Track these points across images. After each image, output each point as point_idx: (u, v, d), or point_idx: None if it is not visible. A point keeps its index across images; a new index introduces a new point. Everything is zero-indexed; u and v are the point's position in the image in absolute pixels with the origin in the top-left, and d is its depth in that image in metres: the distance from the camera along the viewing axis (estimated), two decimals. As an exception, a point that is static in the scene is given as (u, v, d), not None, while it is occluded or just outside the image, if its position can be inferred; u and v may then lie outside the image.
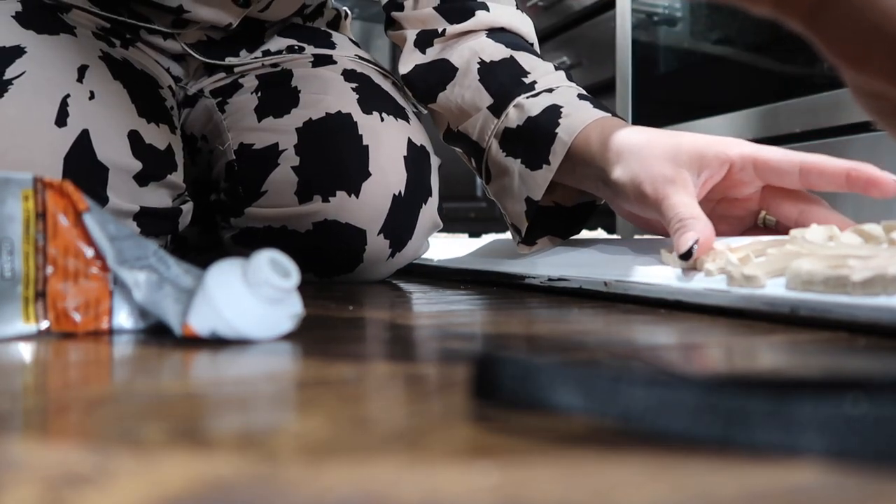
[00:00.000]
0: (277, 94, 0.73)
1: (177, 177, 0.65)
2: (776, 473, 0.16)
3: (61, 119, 0.57)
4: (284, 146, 0.69)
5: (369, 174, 0.67)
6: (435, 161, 0.74)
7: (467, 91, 0.66)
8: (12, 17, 0.62)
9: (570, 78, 0.65)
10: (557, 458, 0.17)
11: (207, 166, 0.78)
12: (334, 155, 0.68)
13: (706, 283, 0.44)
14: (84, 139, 0.58)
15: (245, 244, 0.72)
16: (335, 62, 0.76)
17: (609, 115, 0.59)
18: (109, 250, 0.34)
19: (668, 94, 1.67)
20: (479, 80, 0.65)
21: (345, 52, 0.79)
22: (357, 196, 0.67)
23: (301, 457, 0.17)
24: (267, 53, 0.78)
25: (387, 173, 0.68)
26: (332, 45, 0.80)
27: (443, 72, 0.68)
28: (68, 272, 0.34)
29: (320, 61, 0.76)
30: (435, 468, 0.16)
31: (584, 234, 1.34)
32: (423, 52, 0.70)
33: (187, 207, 0.68)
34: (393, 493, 0.15)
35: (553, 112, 0.60)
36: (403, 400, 0.23)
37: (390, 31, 0.75)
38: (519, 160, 0.62)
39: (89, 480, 0.15)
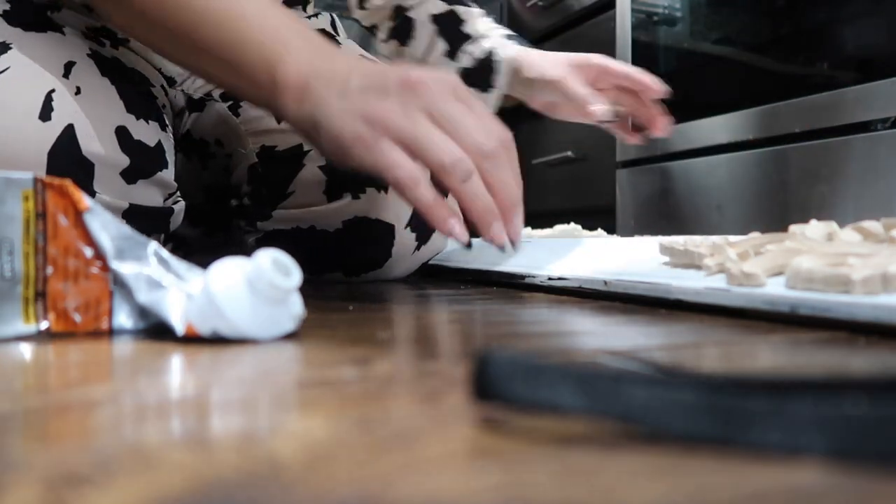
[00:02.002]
0: None
1: (167, 174, 0.65)
2: (776, 473, 0.16)
3: (45, 113, 0.56)
4: (309, 146, 0.71)
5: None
6: None
7: (426, 43, 0.86)
8: (0, 15, 0.62)
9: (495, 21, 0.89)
10: (557, 458, 0.17)
11: (224, 171, 0.79)
12: None
13: (706, 283, 0.44)
14: (69, 134, 0.57)
15: (270, 246, 0.73)
16: None
17: (528, 47, 0.86)
18: (110, 250, 0.34)
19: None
20: (437, 34, 0.86)
21: (348, 49, 0.80)
22: (386, 192, 0.70)
23: (301, 457, 0.17)
24: None
25: None
26: (338, 43, 0.81)
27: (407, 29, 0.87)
28: (68, 272, 0.34)
29: None
30: (435, 468, 0.16)
31: (584, 233, 1.34)
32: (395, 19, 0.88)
33: (179, 207, 0.68)
34: (393, 493, 0.15)
35: (492, 53, 0.85)
36: (403, 400, 0.23)
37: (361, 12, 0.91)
38: (473, 90, 0.80)
39: (89, 480, 0.15)
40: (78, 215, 0.34)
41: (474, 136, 0.48)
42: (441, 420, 0.21)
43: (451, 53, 0.86)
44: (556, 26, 2.08)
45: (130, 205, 0.61)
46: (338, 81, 0.49)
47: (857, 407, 0.16)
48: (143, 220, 0.63)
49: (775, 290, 0.40)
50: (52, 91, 0.58)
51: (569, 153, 2.00)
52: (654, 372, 0.21)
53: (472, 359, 0.20)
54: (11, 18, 0.61)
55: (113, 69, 0.64)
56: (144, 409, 0.22)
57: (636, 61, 1.71)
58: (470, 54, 0.85)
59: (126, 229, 0.35)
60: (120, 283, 0.34)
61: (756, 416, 0.17)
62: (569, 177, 2.01)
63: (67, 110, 0.58)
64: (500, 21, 2.38)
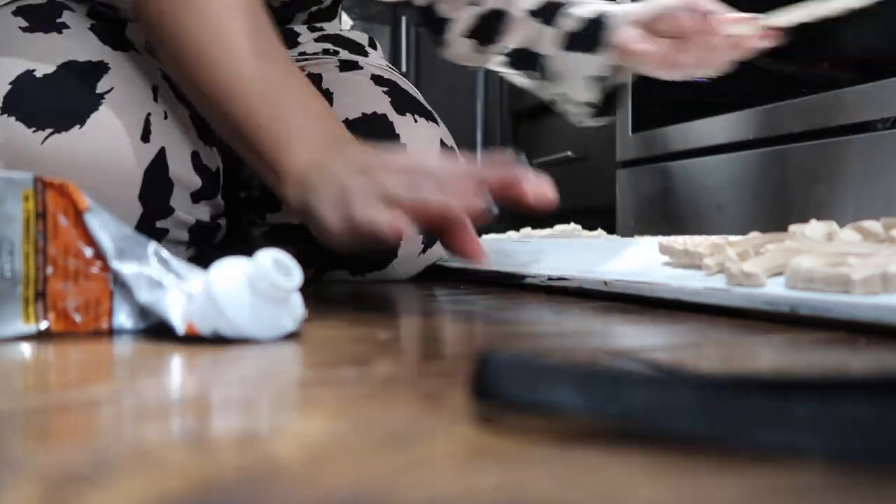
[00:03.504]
0: None
1: (220, 198, 0.68)
2: (776, 473, 0.16)
3: (146, 135, 0.60)
4: None
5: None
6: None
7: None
8: (89, 28, 0.64)
9: None
10: (557, 458, 0.17)
11: (236, 163, 0.80)
12: None
13: (706, 283, 0.44)
14: (162, 155, 0.61)
15: (278, 240, 0.74)
16: (361, 68, 0.78)
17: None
18: (110, 249, 0.34)
19: (668, 94, 1.67)
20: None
21: (372, 60, 0.82)
22: None
23: (301, 457, 0.17)
24: (303, 55, 0.81)
25: None
26: (366, 54, 0.82)
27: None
28: (68, 272, 0.34)
29: (346, 66, 0.78)
30: (435, 468, 0.16)
31: (585, 233, 1.34)
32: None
33: (223, 223, 0.72)
34: (393, 493, 0.15)
35: (602, 14, 0.73)
36: (403, 400, 0.23)
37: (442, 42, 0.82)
38: (578, 52, 0.74)
39: (89, 480, 0.15)
40: (78, 215, 0.34)
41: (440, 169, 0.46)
42: (441, 420, 0.21)
43: (549, 19, 0.75)
44: (556, 26, 2.08)
45: (196, 220, 0.66)
46: (335, 174, 0.49)
47: (857, 407, 0.16)
48: (200, 235, 0.67)
49: (775, 290, 0.40)
50: (150, 114, 0.61)
51: (569, 153, 2.00)
52: (654, 372, 0.21)
53: (473, 359, 0.20)
54: (100, 35, 0.63)
55: (182, 93, 0.65)
56: (144, 409, 0.22)
57: (636, 61, 1.71)
58: (570, 16, 0.75)
59: (126, 229, 0.35)
60: (120, 282, 0.34)
61: (756, 416, 0.17)
62: (569, 177, 2.01)
63: (162, 133, 0.62)
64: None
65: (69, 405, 0.22)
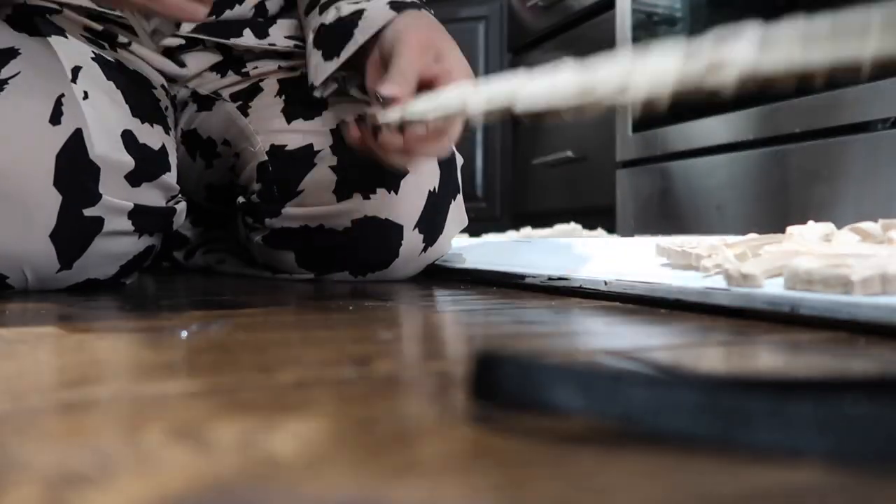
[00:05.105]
0: (304, 97, 0.74)
1: (170, 178, 0.65)
2: (776, 473, 0.16)
3: (55, 117, 0.57)
4: (320, 147, 0.72)
5: (407, 171, 0.70)
6: (459, 160, 0.78)
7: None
8: (4, 20, 0.62)
9: None
10: (557, 458, 0.17)
11: (231, 170, 0.79)
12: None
13: (706, 283, 0.44)
14: (77, 137, 0.58)
15: (277, 245, 0.74)
16: None
17: (410, 9, 0.66)
18: None
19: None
20: None
21: None
22: (396, 193, 0.71)
23: (301, 457, 0.17)
24: (273, 48, 0.79)
25: (423, 171, 0.72)
26: None
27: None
28: None
29: None
30: (435, 468, 0.16)
31: (584, 233, 1.34)
32: None
33: (181, 207, 0.69)
34: (393, 494, 0.15)
35: (357, 14, 0.68)
36: (403, 400, 0.23)
37: None
38: (320, 52, 0.71)
39: (89, 480, 0.15)
40: None
41: None
42: (441, 420, 0.21)
43: (322, 8, 0.72)
44: (556, 26, 2.08)
45: (135, 205, 0.62)
46: None
47: (857, 407, 0.16)
48: (146, 219, 0.63)
49: (775, 290, 0.40)
50: (62, 96, 0.58)
51: (569, 153, 2.00)
52: (654, 372, 0.21)
53: (473, 359, 0.20)
54: (16, 24, 0.62)
55: (117, 72, 0.64)
56: (144, 408, 0.22)
57: (636, 61, 1.71)
58: (338, 10, 0.70)
59: None
60: None
61: (756, 416, 0.17)
62: (569, 177, 2.01)
63: (76, 115, 0.58)
64: (500, 21, 2.38)
65: (69, 405, 0.22)
